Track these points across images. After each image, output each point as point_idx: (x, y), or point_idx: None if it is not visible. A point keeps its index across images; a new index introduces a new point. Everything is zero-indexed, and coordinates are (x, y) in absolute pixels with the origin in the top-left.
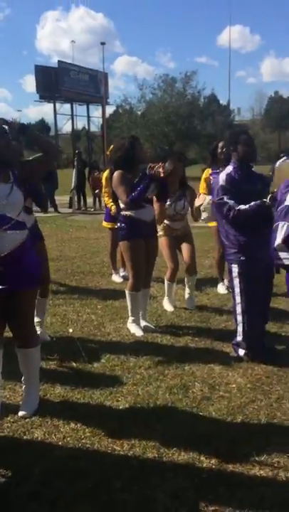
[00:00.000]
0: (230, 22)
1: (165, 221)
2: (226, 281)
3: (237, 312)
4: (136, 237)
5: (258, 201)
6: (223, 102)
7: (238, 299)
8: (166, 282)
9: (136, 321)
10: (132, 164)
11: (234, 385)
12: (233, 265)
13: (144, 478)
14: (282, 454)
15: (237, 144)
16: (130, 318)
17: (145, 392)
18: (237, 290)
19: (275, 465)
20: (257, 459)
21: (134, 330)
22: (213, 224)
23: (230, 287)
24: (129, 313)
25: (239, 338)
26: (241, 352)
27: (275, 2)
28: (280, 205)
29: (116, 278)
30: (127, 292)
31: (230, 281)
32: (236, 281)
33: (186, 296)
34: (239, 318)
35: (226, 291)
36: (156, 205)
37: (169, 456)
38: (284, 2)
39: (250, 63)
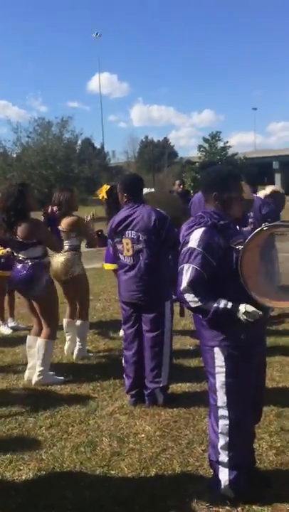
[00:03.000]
0: (100, 69)
1: (76, 252)
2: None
3: (164, 355)
4: (50, 282)
5: None
6: (97, 145)
7: (167, 340)
8: (81, 323)
9: (47, 371)
10: (25, 212)
11: (143, 435)
12: (165, 306)
13: None
14: (200, 504)
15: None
16: (40, 370)
17: (49, 455)
18: (168, 332)
19: None
20: None
21: (51, 380)
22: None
23: (158, 330)
24: (41, 364)
25: (165, 382)
26: (160, 398)
27: (141, 52)
28: (183, 247)
29: (4, 329)
30: (44, 341)
31: (159, 324)
32: (168, 324)
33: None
34: (166, 361)
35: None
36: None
37: None
38: (149, 52)
39: (120, 108)
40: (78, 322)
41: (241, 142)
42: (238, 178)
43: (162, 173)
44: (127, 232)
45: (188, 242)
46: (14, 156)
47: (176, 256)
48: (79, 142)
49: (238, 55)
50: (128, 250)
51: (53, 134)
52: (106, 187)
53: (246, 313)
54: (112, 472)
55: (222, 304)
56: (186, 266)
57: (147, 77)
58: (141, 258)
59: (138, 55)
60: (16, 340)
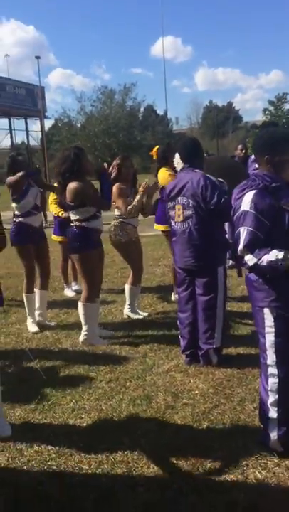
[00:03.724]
0: (163, 33)
1: (126, 221)
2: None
3: (218, 318)
4: (90, 248)
5: None
6: (160, 112)
7: (219, 304)
8: (128, 288)
9: (92, 333)
10: (81, 174)
11: (197, 392)
12: (218, 270)
13: (115, 496)
14: (249, 457)
15: (198, 157)
16: (86, 332)
17: (108, 406)
18: (220, 296)
19: (244, 468)
20: (225, 463)
21: (95, 341)
22: (162, 228)
23: (211, 293)
24: (85, 327)
25: (218, 344)
26: (215, 358)
27: (206, 14)
28: (236, 212)
29: (68, 292)
30: (81, 304)
31: (213, 287)
32: (221, 287)
33: (135, 305)
34: (220, 324)
35: None
36: (119, 203)
37: (138, 470)
38: (214, 14)
39: (184, 73)
40: (127, 286)
41: None
42: None
43: (226, 139)
44: (178, 198)
45: (240, 206)
46: (78, 125)
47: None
48: (142, 109)
49: None
50: (179, 216)
51: (115, 101)
52: (158, 147)
53: None
54: (167, 424)
55: (273, 254)
56: (241, 229)
57: (212, 40)
58: (190, 224)
59: (202, 17)
60: None
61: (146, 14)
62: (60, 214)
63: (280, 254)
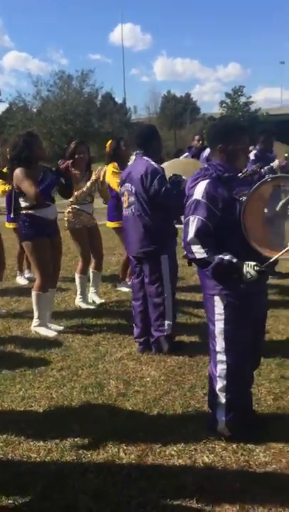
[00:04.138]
0: (122, 20)
1: (76, 206)
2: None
3: (166, 307)
4: (39, 236)
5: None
6: (119, 100)
7: (166, 293)
8: (78, 276)
9: (43, 323)
10: (30, 161)
11: (148, 379)
12: (162, 259)
13: (64, 483)
14: (198, 442)
15: (152, 145)
16: (37, 321)
17: (59, 394)
18: (167, 285)
19: (193, 452)
20: (175, 448)
21: (45, 332)
22: (115, 225)
23: (156, 283)
24: (36, 315)
25: (168, 331)
26: (165, 346)
27: (165, 2)
28: (188, 200)
29: (20, 280)
30: (34, 293)
31: (157, 277)
32: (165, 276)
33: (93, 293)
34: (169, 312)
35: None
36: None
37: (88, 457)
38: (173, 3)
39: (143, 62)
40: (76, 275)
41: (268, 98)
42: (243, 130)
43: (184, 130)
44: (126, 184)
45: (192, 195)
46: (34, 110)
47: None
48: (99, 97)
49: (266, 4)
50: (125, 202)
51: (73, 87)
52: (110, 141)
53: (248, 273)
54: (118, 411)
55: (227, 257)
56: (191, 218)
57: (171, 29)
58: (134, 210)
59: (161, 4)
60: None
61: (104, 1)
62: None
63: (235, 259)
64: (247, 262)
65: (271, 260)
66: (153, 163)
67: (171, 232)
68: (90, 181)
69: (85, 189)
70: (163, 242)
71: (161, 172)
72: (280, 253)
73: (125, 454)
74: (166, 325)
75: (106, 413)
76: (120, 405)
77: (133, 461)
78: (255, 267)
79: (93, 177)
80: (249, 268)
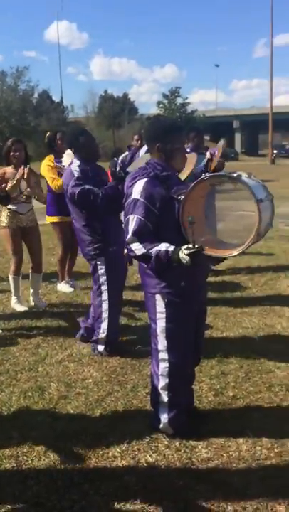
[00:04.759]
0: (58, 17)
1: (10, 206)
2: (67, 278)
3: (103, 309)
4: None
5: (111, 183)
6: (56, 98)
7: (104, 295)
8: (11, 278)
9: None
10: None
11: (90, 380)
12: (98, 261)
13: (3, 491)
14: (141, 441)
15: (79, 146)
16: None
17: None
18: (104, 287)
19: (136, 453)
20: (118, 449)
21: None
22: (52, 220)
23: (96, 284)
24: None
25: (102, 334)
26: (101, 348)
27: (102, 1)
28: (127, 199)
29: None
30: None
31: (96, 279)
32: (103, 279)
33: (32, 294)
34: (105, 315)
35: (71, 289)
36: None
37: (28, 463)
38: (111, 2)
39: (80, 61)
40: (10, 277)
41: (204, 100)
42: (181, 130)
43: (122, 130)
44: None
45: (131, 194)
46: None
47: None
48: (36, 94)
49: (202, 7)
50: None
51: (7, 84)
52: (48, 133)
53: (183, 258)
54: (59, 414)
55: (163, 248)
56: (130, 217)
57: (108, 28)
58: (70, 212)
59: (98, 4)
60: None
61: None
62: None
63: (171, 247)
64: (180, 248)
65: (212, 255)
66: (72, 166)
67: (113, 233)
68: (16, 179)
69: (9, 187)
70: (96, 245)
71: (77, 175)
72: (222, 253)
73: (67, 458)
74: (101, 328)
75: (47, 417)
76: (61, 409)
77: (76, 465)
78: (186, 250)
79: (18, 175)
80: (182, 253)
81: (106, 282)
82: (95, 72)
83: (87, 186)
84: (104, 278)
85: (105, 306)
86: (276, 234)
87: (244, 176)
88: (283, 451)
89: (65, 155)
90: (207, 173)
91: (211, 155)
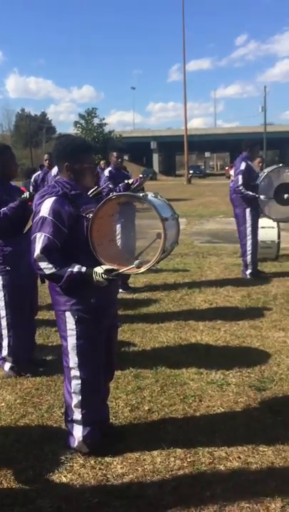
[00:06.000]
0: None
1: None
2: None
3: (2, 326)
4: None
5: (16, 201)
6: None
7: (2, 312)
8: None
9: None
10: None
11: (3, 404)
12: None
13: None
14: (55, 462)
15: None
16: None
17: None
18: (2, 304)
19: (50, 474)
20: (31, 472)
21: None
22: None
23: None
24: None
25: (4, 352)
26: (7, 367)
27: (16, 18)
28: (35, 217)
29: None
30: None
31: None
32: (1, 295)
33: None
34: (4, 332)
35: None
36: None
37: None
38: (25, 18)
39: None
40: None
41: (121, 121)
42: (89, 149)
43: (40, 149)
44: None
45: (39, 212)
46: None
47: None
48: None
49: (117, 29)
50: None
51: None
52: None
53: (98, 281)
54: None
55: (76, 268)
56: (38, 234)
57: (24, 47)
58: None
59: (12, 21)
60: None
61: None
62: None
63: (83, 269)
64: (95, 270)
65: (119, 272)
66: None
67: (14, 252)
68: None
69: None
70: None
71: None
72: (126, 268)
73: None
74: (3, 346)
75: None
76: None
77: None
78: (103, 275)
79: None
80: (98, 277)
81: (3, 299)
82: (10, 90)
83: None
84: (2, 295)
85: (4, 323)
86: (192, 250)
87: (150, 196)
88: (196, 460)
89: None
90: (114, 193)
91: (132, 183)
